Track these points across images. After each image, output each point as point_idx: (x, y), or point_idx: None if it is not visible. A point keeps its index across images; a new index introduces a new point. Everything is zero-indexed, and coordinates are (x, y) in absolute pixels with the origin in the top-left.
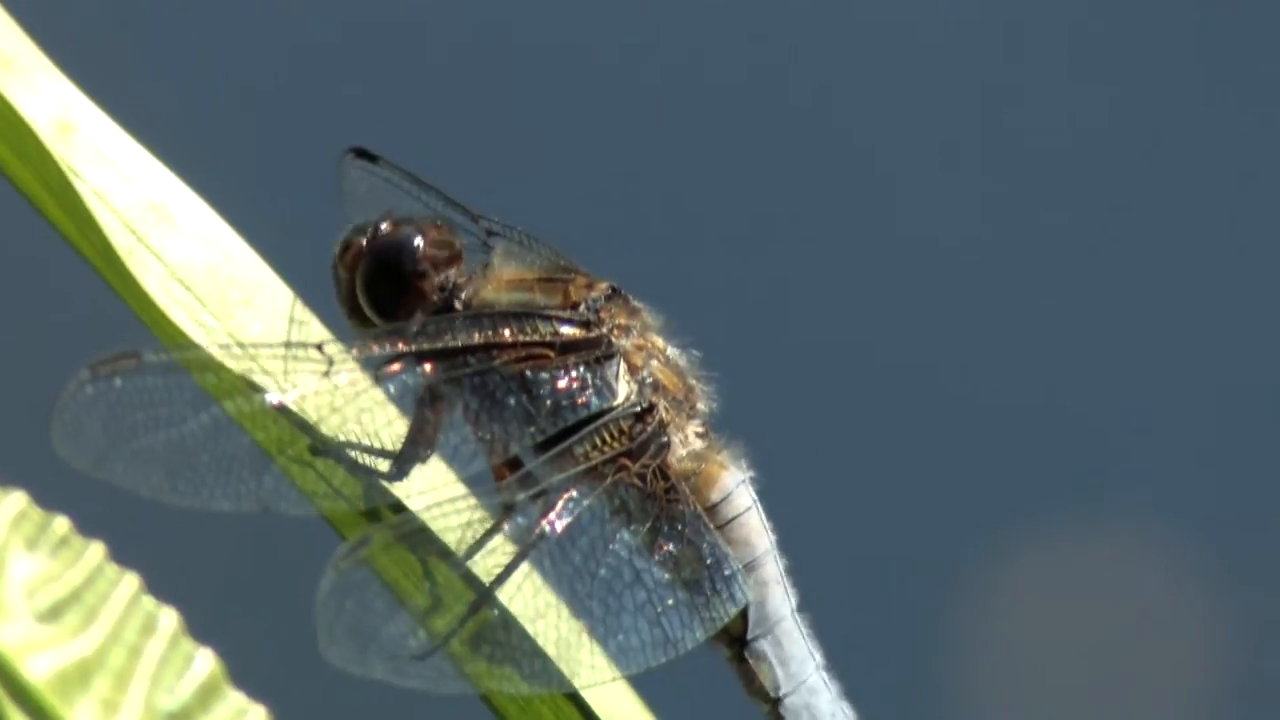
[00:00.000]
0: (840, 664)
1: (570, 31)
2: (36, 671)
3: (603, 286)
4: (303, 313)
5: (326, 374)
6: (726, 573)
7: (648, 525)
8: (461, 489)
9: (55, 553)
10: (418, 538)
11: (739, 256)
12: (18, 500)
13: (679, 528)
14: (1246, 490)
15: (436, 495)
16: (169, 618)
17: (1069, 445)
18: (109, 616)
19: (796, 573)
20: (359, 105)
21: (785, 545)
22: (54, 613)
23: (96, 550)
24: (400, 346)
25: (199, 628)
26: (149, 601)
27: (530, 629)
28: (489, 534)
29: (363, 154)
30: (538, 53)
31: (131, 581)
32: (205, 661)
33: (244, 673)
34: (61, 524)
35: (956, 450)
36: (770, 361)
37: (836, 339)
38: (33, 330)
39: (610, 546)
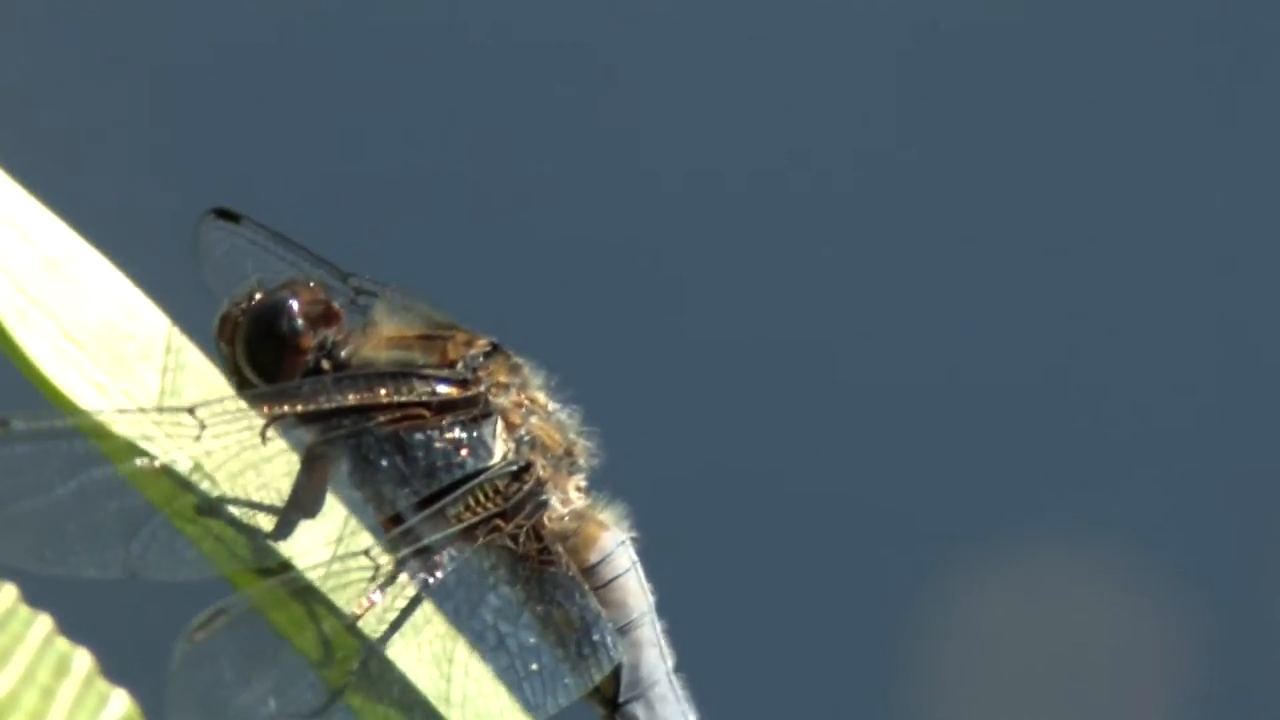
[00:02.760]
0: (807, 681)
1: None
2: None
3: (482, 344)
4: (181, 358)
5: (198, 439)
6: (596, 637)
7: (519, 586)
8: (351, 544)
9: None
10: (305, 594)
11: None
12: None
13: (551, 590)
14: (1210, 505)
15: (328, 550)
16: (83, 659)
17: (1031, 461)
18: (22, 658)
19: (747, 608)
20: (266, 145)
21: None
22: None
23: (9, 592)
24: (278, 408)
25: (113, 669)
26: (63, 643)
27: (414, 681)
28: (375, 589)
29: (223, 214)
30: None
31: (45, 623)
32: (120, 702)
33: (159, 713)
34: None
35: (914, 467)
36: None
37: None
38: None
39: (477, 609)
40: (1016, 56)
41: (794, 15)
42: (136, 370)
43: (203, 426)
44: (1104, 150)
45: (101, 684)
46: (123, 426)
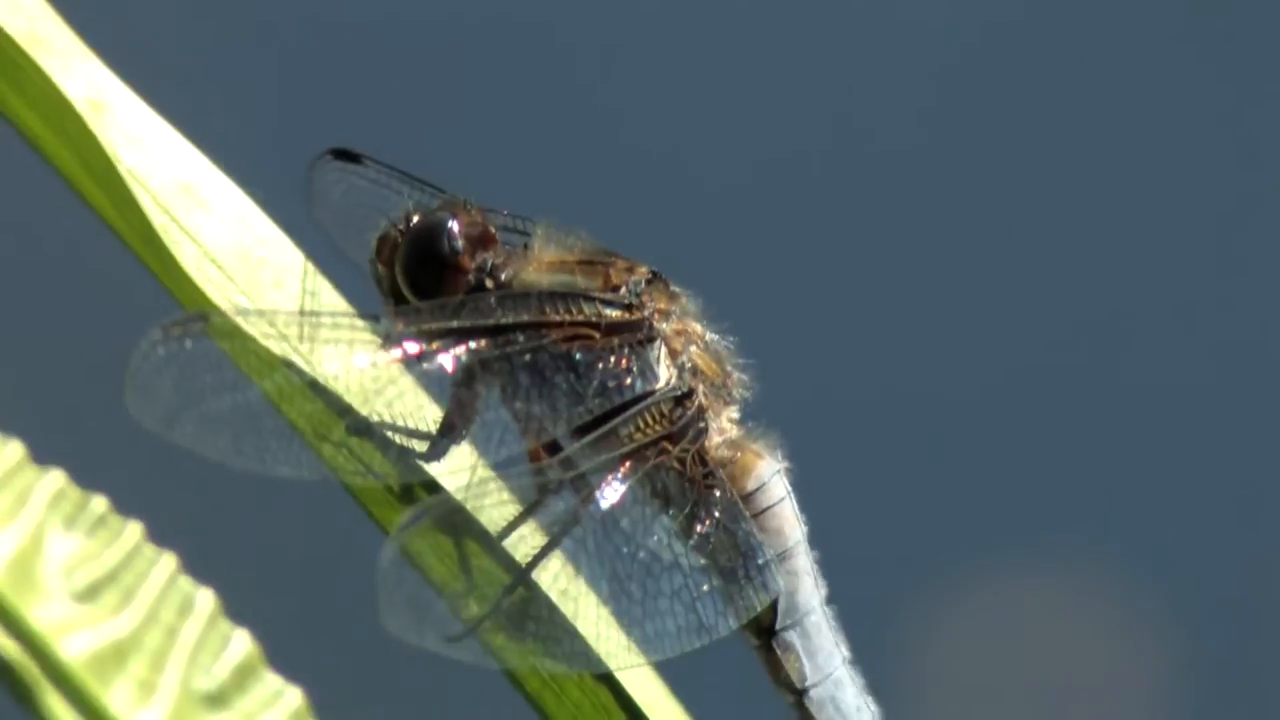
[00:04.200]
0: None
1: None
2: (72, 651)
3: (643, 270)
4: (315, 284)
5: (378, 347)
6: (760, 561)
7: (685, 510)
8: (497, 469)
9: (93, 532)
10: (457, 517)
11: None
12: (55, 479)
13: (716, 514)
14: (1188, 532)
15: (473, 474)
16: (206, 598)
17: (1008, 487)
18: (146, 597)
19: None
20: (391, 88)
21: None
22: (91, 592)
23: (134, 530)
24: (449, 322)
25: (236, 609)
26: (186, 582)
27: (565, 610)
28: (526, 515)
29: (342, 154)
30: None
31: (169, 562)
32: (242, 643)
33: (280, 654)
34: (99, 503)
35: (896, 489)
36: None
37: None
38: (72, 311)
39: (648, 530)
40: (1021, 51)
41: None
42: (271, 296)
43: (386, 337)
44: (1104, 153)
45: (224, 624)
46: (305, 327)
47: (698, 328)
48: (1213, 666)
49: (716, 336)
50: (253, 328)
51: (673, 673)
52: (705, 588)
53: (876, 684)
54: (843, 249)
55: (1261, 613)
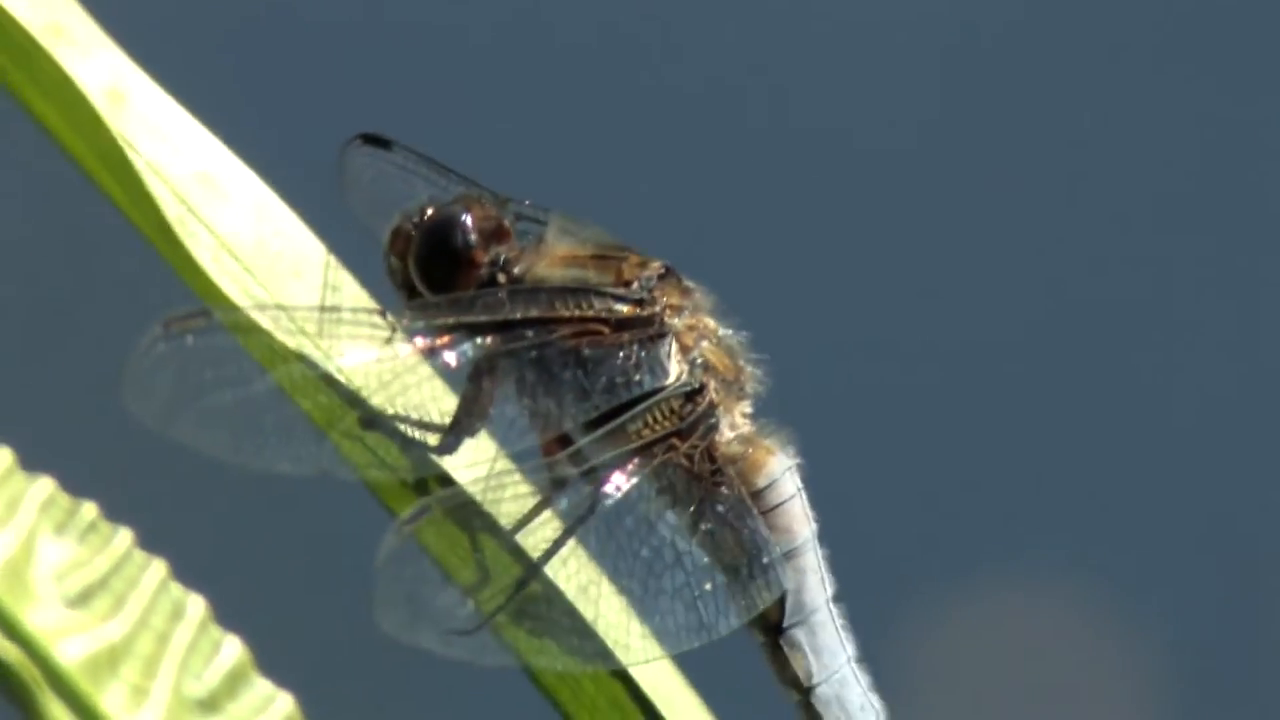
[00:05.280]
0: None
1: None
2: (68, 655)
3: (655, 266)
4: (337, 278)
5: (389, 341)
6: (766, 560)
7: (692, 507)
8: (511, 463)
9: (83, 538)
10: (467, 511)
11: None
12: (46, 486)
13: (722, 511)
14: (1180, 544)
15: (486, 469)
16: (196, 604)
17: (993, 502)
18: (137, 603)
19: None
20: (413, 79)
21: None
22: (83, 598)
23: (125, 536)
24: (460, 317)
25: (226, 615)
26: (176, 588)
27: (574, 605)
28: (538, 509)
29: (372, 140)
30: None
31: (159, 568)
32: (233, 648)
33: (271, 660)
34: (89, 510)
35: (880, 506)
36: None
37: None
38: (76, 310)
39: (654, 526)
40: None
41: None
42: (290, 287)
43: (393, 330)
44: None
45: (214, 630)
46: (312, 323)
47: (710, 323)
48: (1198, 679)
49: (730, 332)
50: (259, 322)
51: (689, 663)
52: (708, 586)
53: (882, 683)
54: (858, 246)
55: (1245, 626)
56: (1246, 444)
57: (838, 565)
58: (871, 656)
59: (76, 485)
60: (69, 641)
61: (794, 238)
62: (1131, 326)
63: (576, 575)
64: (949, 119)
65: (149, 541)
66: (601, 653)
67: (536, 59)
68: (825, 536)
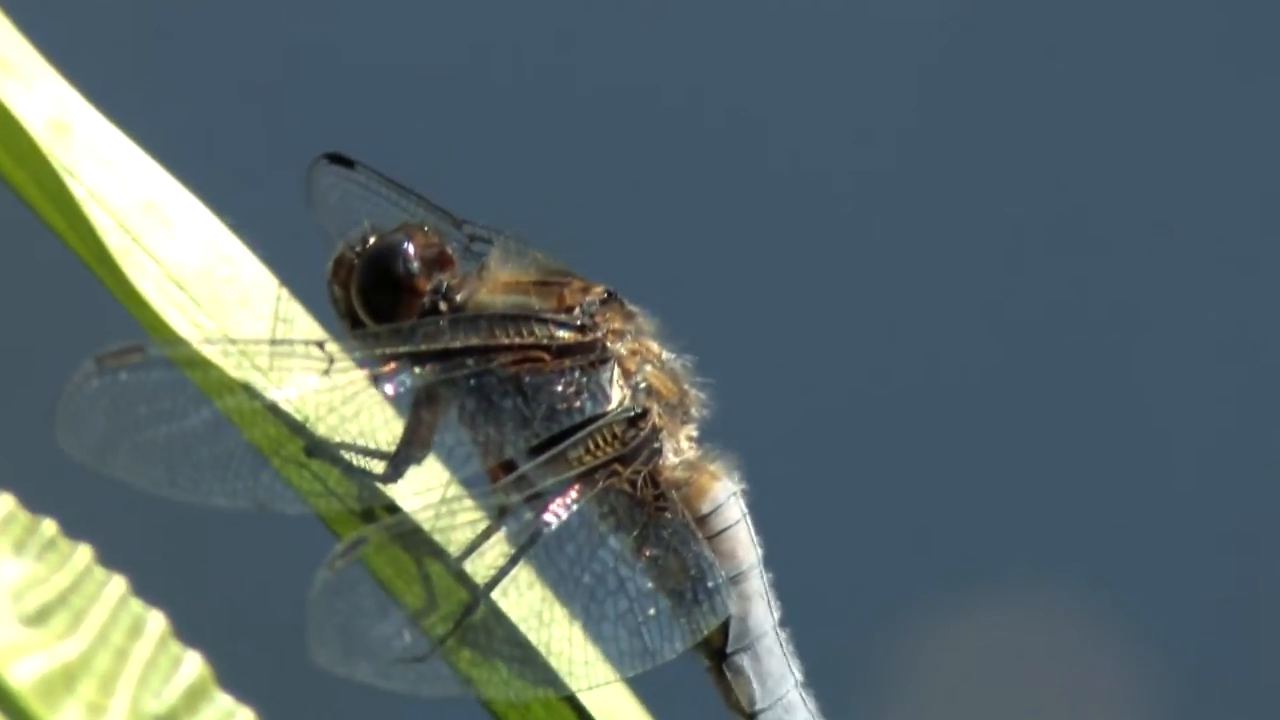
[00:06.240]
0: None
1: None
2: (20, 676)
3: (598, 290)
4: (289, 310)
5: (326, 372)
6: (710, 585)
7: (635, 532)
8: (457, 490)
9: (42, 555)
10: (412, 538)
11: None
12: (5, 502)
13: (666, 536)
14: (1178, 563)
15: (431, 496)
16: (156, 620)
17: (986, 519)
18: (96, 619)
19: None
20: (356, 105)
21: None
22: (40, 616)
23: (84, 553)
24: (399, 346)
25: (186, 630)
26: (136, 604)
27: (520, 631)
28: (484, 536)
29: (337, 159)
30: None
31: (119, 584)
32: (193, 664)
33: (231, 675)
34: (49, 526)
35: (873, 522)
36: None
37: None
38: (27, 332)
39: (596, 552)
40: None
41: None
42: (236, 315)
43: (330, 361)
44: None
45: (175, 646)
46: (251, 358)
47: (654, 347)
48: (1194, 689)
49: (674, 355)
50: (197, 355)
51: (643, 683)
52: (652, 611)
53: (873, 695)
54: (810, 266)
55: (1244, 638)
56: (1248, 452)
57: (808, 587)
58: (862, 670)
59: (35, 502)
60: (23, 661)
61: (741, 258)
62: (1115, 336)
63: (522, 601)
64: (923, 136)
65: (109, 557)
66: (548, 678)
67: (481, 81)
68: (788, 559)
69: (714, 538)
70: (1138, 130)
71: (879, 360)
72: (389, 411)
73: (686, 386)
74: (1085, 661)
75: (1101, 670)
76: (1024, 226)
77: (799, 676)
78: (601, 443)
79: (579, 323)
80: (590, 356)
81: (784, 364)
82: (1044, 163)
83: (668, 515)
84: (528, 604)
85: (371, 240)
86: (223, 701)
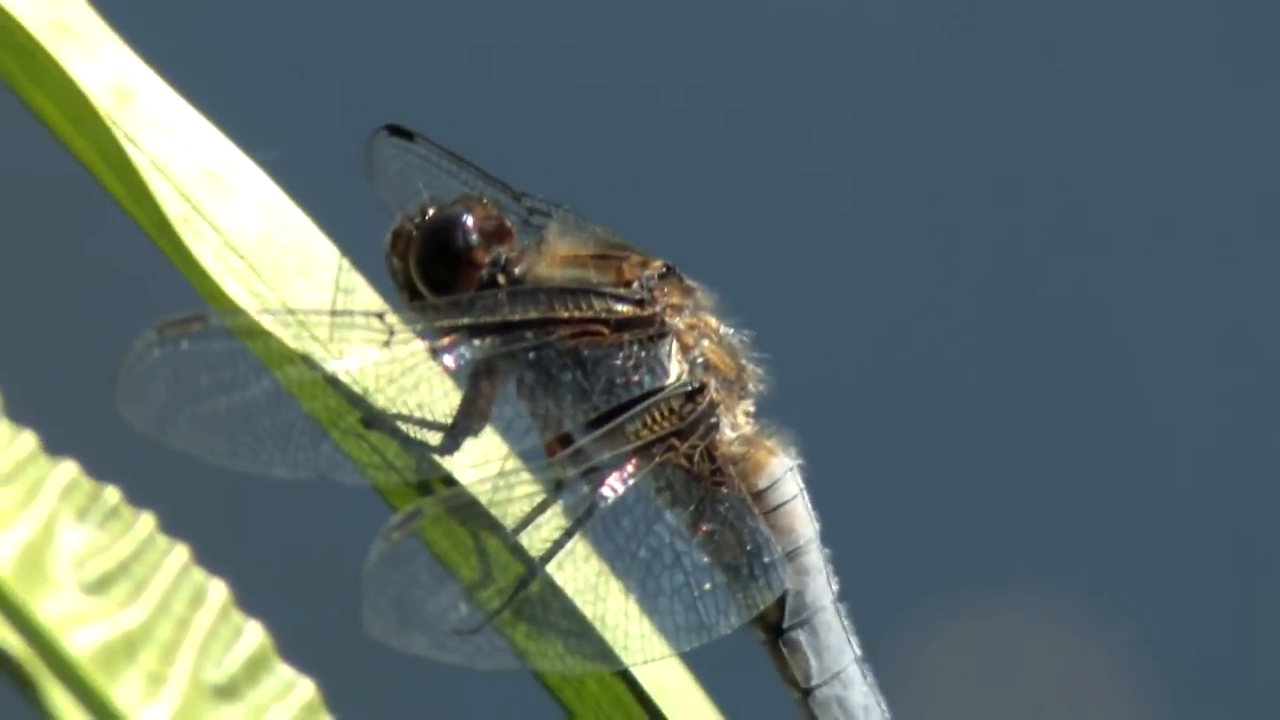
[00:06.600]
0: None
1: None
2: (80, 645)
3: (657, 265)
4: (349, 280)
5: (386, 344)
6: (766, 560)
7: (691, 507)
8: (514, 463)
9: (105, 524)
10: (468, 511)
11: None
12: (68, 470)
13: (722, 511)
14: (1176, 569)
15: (488, 469)
16: (218, 590)
17: (982, 525)
18: (157, 588)
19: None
20: (418, 75)
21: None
22: (102, 584)
23: (147, 521)
24: (458, 319)
25: (248, 600)
26: (198, 573)
27: (575, 605)
28: (540, 509)
29: (397, 131)
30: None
31: (181, 553)
32: (254, 634)
33: (293, 646)
34: (112, 494)
35: (866, 529)
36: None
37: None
38: (87, 300)
39: (653, 527)
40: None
41: None
42: (295, 284)
43: (391, 332)
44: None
45: (236, 616)
46: (311, 329)
47: (712, 322)
48: (1193, 691)
49: (732, 331)
50: (254, 325)
51: (700, 661)
52: (707, 586)
53: (887, 683)
54: (867, 246)
55: (1242, 640)
56: (1248, 452)
57: (866, 555)
58: (873, 663)
59: (100, 470)
60: (84, 629)
61: (800, 237)
62: (1115, 336)
63: (577, 575)
64: (923, 136)
65: (171, 526)
66: (602, 653)
67: (481, 81)
68: (830, 539)
69: (770, 513)
70: (1138, 130)
71: (878, 362)
72: (448, 384)
73: (744, 361)
74: (1086, 663)
75: (1102, 672)
76: (1023, 226)
77: (858, 651)
78: (659, 417)
79: (638, 297)
80: (649, 330)
81: (783, 365)
82: (1043, 163)
83: (724, 490)
84: (583, 578)
85: (430, 212)
86: (284, 672)
